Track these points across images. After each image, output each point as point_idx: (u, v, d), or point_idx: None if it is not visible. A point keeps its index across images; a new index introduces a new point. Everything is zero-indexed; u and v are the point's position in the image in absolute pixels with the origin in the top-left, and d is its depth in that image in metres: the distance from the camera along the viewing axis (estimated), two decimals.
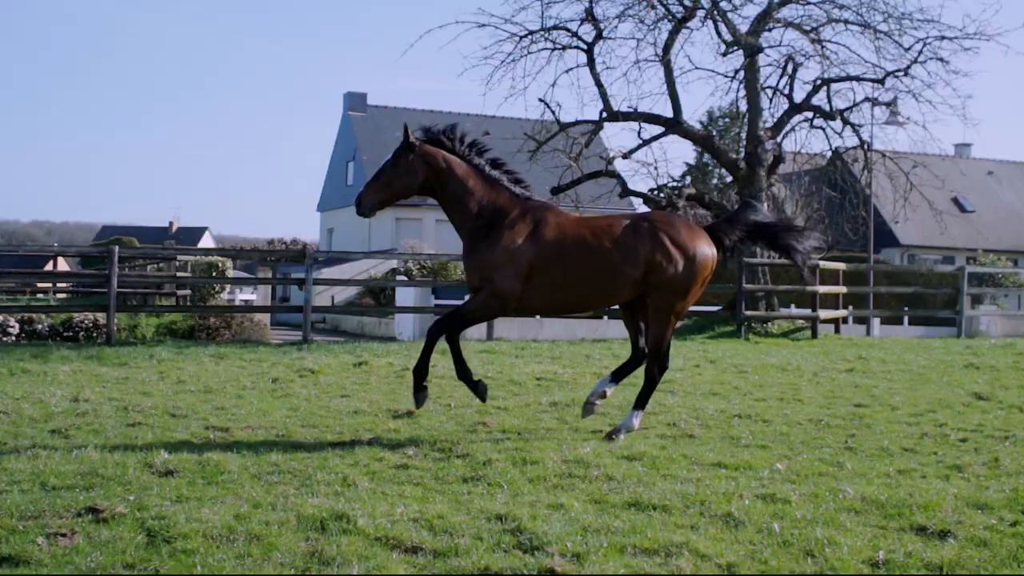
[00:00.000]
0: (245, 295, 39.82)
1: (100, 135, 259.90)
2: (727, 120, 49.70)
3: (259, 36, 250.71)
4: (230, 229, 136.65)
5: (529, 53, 25.33)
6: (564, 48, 25.61)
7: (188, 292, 26.70)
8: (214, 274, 28.35)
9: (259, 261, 49.67)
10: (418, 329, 26.23)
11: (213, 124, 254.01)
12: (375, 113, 52.42)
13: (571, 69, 26.10)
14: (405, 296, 27.18)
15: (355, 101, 53.00)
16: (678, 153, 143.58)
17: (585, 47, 25.34)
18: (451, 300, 26.03)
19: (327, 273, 39.20)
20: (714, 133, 33.81)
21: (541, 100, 25.80)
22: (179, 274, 26.14)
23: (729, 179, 29.96)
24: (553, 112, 25.73)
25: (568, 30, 25.42)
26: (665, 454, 7.94)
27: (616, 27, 26.81)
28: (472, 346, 17.97)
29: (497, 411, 10.08)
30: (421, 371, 8.97)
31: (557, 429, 9.16)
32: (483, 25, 24.96)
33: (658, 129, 26.18)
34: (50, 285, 31.34)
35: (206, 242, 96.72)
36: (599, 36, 25.21)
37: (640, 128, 26.09)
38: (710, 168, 52.14)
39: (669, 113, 25.64)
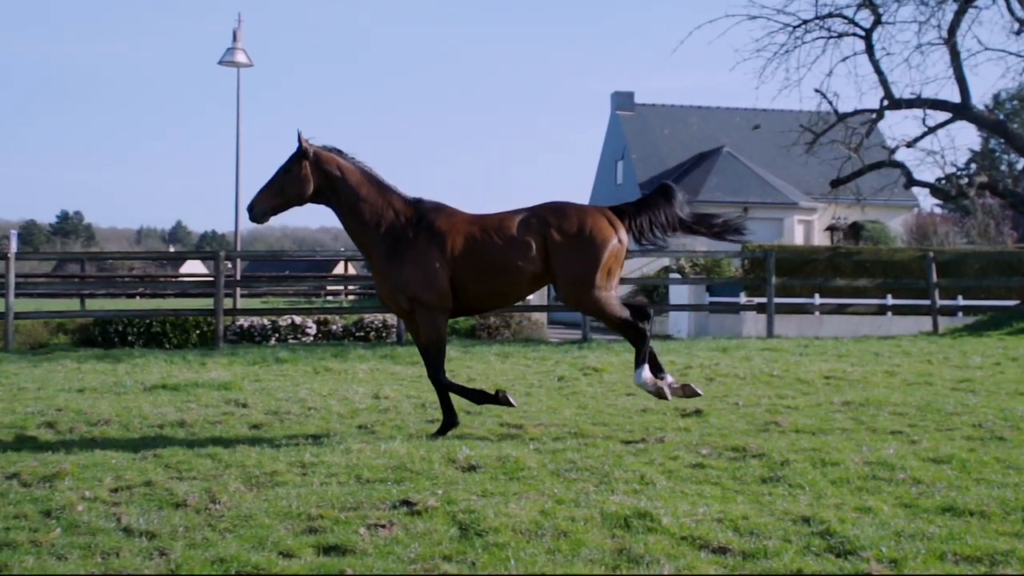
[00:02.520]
0: None
1: (374, 139, 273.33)
2: (1016, 103, 46.69)
3: (527, 38, 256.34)
4: None
5: (803, 43, 24.86)
6: (840, 36, 24.94)
7: None
8: None
9: None
10: (694, 327, 26.07)
11: (482, 126, 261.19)
12: (643, 111, 52.37)
13: (848, 57, 25.46)
14: (679, 294, 27.05)
15: (622, 100, 53.09)
16: (963, 141, 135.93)
17: (863, 33, 24.55)
18: (726, 297, 25.72)
19: None
20: (1000, 117, 31.85)
21: (817, 91, 25.26)
22: None
23: (1021, 165, 28.20)
24: (830, 102, 25.12)
25: (844, 17, 24.72)
26: (975, 457, 7.52)
27: (896, 11, 26.01)
28: (752, 344, 17.71)
29: (788, 410, 9.87)
30: (450, 422, 8.86)
31: (853, 429, 8.86)
32: (754, 17, 24.71)
33: (944, 115, 25.02)
34: (341, 288, 33.18)
35: None
36: (877, 21, 24.36)
37: (924, 115, 25.04)
38: (997, 155, 49.17)
39: (955, 98, 24.44)
